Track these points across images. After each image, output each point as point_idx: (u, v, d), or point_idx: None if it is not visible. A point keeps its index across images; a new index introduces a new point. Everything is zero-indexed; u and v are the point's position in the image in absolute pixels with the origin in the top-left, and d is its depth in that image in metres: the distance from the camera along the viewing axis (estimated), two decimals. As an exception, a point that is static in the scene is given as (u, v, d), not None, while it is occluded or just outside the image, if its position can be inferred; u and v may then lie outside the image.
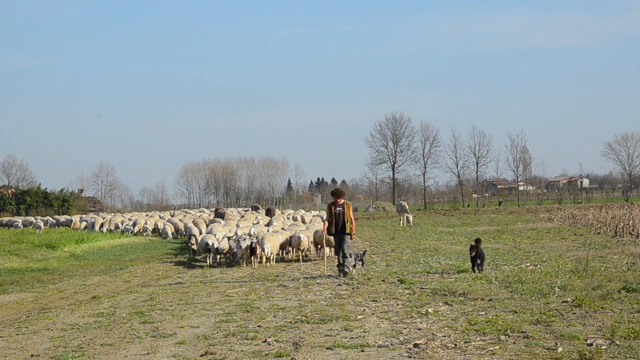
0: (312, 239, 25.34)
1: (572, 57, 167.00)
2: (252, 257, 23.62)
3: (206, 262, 25.34)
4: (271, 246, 23.77)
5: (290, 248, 25.55)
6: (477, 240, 18.81)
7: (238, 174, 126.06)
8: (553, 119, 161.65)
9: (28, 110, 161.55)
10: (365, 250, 21.58)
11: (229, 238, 24.95)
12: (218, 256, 25.02)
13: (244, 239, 24.09)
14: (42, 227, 50.95)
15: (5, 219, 68.00)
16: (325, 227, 20.25)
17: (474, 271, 18.15)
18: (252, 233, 26.10)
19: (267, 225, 33.14)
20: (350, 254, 19.59)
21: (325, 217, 21.18)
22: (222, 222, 35.05)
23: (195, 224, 37.74)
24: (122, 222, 48.77)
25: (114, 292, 18.55)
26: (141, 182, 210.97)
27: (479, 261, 18.33)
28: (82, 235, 44.06)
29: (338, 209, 19.97)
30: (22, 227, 55.27)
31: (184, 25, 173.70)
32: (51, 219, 59.30)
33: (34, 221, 57.47)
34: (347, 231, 19.85)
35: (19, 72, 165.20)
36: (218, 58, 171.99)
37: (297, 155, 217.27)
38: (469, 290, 15.18)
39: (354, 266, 19.66)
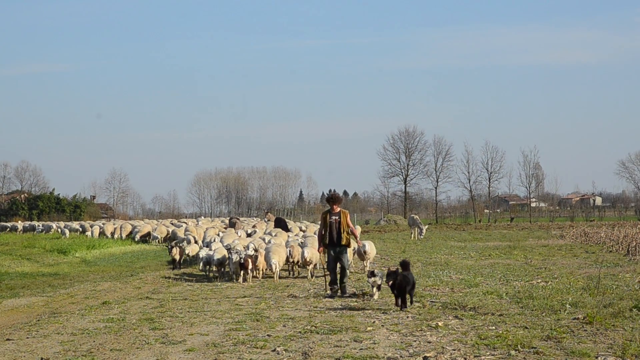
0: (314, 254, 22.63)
1: (587, 74, 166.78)
2: (242, 272, 21.76)
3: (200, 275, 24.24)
4: (278, 260, 22.03)
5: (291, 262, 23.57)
6: (403, 264, 15.68)
7: (250, 184, 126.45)
8: (566, 136, 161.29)
9: (42, 116, 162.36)
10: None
11: (228, 250, 23.29)
12: (212, 268, 23.53)
13: (236, 252, 22.15)
14: (68, 234, 50.98)
15: (26, 223, 68.32)
16: (319, 239, 18.40)
17: (397, 305, 15.11)
18: (250, 246, 23.30)
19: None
20: (372, 272, 16.44)
21: (318, 229, 18.76)
22: (233, 231, 35.00)
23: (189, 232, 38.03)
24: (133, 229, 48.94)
25: (124, 298, 18.57)
26: (153, 190, 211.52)
27: (400, 290, 15.04)
28: (94, 241, 44.26)
29: (333, 217, 17.97)
30: (41, 231, 55.17)
31: (198, 36, 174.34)
32: (74, 225, 59.09)
33: (55, 226, 57.42)
34: (343, 242, 17.89)
35: (34, 78, 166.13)
36: (232, 68, 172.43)
37: (309, 166, 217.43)
38: (480, 304, 15.14)
39: (379, 287, 16.41)
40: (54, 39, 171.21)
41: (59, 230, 54.24)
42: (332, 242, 17.92)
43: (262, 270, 22.50)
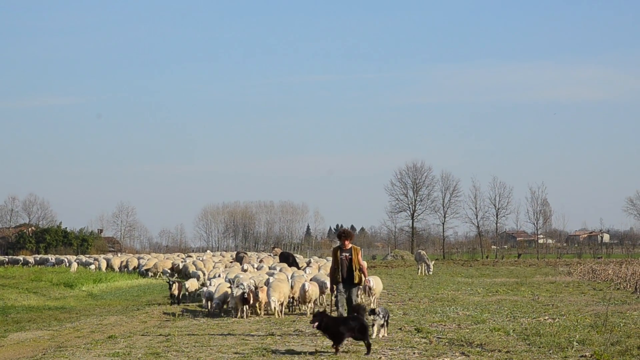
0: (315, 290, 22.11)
1: (595, 111, 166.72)
2: (245, 307, 21.38)
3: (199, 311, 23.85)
4: (278, 297, 21.22)
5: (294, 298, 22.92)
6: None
7: (257, 219, 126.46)
8: (574, 173, 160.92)
9: (50, 149, 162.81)
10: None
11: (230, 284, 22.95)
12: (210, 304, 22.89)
13: (237, 286, 21.63)
14: (75, 267, 51.07)
15: (37, 256, 68.46)
16: (330, 278, 17.28)
17: (333, 347, 14.23)
18: (251, 282, 22.59)
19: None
20: (377, 311, 16.21)
21: (331, 266, 17.69)
22: (238, 266, 34.89)
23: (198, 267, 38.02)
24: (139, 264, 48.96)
25: (130, 332, 18.55)
26: (161, 224, 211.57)
27: (333, 335, 14.15)
28: (100, 274, 44.27)
29: (344, 254, 17.00)
30: (54, 264, 55.16)
31: (203, 68, 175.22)
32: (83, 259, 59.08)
33: (82, 260, 57.34)
34: (356, 281, 16.87)
35: (42, 111, 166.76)
36: (241, 101, 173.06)
37: (316, 201, 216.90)
38: (487, 341, 15.09)
39: (382, 325, 16.20)
40: (61, 72, 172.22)
41: (67, 263, 54.18)
42: (343, 280, 16.90)
43: (263, 306, 21.83)
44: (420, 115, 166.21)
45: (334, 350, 14.14)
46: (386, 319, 16.16)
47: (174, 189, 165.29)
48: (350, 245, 17.13)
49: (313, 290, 21.62)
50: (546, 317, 19.45)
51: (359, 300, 17.20)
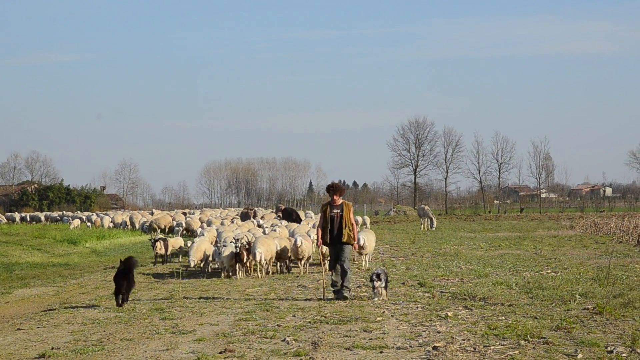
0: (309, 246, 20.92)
1: (598, 64, 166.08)
2: (238, 267, 20.34)
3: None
4: (264, 252, 19.97)
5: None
6: None
7: (260, 175, 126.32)
8: (577, 127, 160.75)
9: (52, 107, 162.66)
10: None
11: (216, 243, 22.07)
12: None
13: (225, 245, 20.72)
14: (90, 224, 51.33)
15: (55, 213, 68.75)
16: (319, 236, 16.09)
17: None
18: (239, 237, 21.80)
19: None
20: (379, 275, 15.01)
21: (317, 223, 16.61)
22: (228, 224, 34.45)
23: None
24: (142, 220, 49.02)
25: (135, 288, 18.60)
26: (163, 181, 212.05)
27: None
28: (104, 231, 44.41)
29: (335, 211, 15.88)
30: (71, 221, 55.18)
31: (207, 26, 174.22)
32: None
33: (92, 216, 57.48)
34: (345, 239, 15.77)
35: (44, 68, 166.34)
36: (241, 59, 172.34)
37: (319, 157, 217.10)
38: (489, 295, 15.13)
39: (385, 287, 15.14)
40: (63, 29, 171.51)
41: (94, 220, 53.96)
42: (333, 239, 15.88)
43: (251, 264, 20.90)
44: (423, 70, 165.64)
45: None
46: (386, 281, 15.17)
47: (176, 146, 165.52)
48: (341, 201, 16.03)
49: (307, 245, 20.61)
50: (548, 271, 19.49)
51: (349, 259, 15.95)
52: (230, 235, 23.56)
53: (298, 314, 13.62)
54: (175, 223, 43.75)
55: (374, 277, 14.96)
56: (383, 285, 15.00)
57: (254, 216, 44.18)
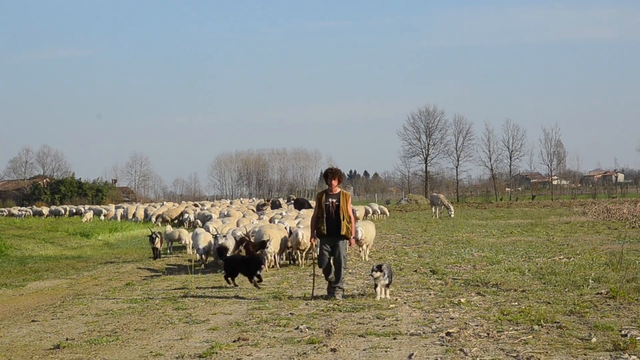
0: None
1: (609, 51, 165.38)
2: None
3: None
4: (273, 244, 19.32)
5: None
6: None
7: (270, 166, 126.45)
8: (588, 113, 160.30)
9: (63, 101, 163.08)
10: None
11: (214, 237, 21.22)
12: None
13: (222, 237, 20.18)
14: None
15: (73, 206, 69.01)
16: (312, 228, 14.54)
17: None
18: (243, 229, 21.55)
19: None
20: (379, 267, 13.56)
21: (313, 214, 14.78)
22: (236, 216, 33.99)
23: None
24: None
25: (147, 279, 18.69)
26: (174, 173, 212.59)
27: None
28: (116, 224, 44.53)
29: (331, 199, 14.17)
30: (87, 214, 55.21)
31: (218, 18, 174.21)
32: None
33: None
34: (343, 232, 14.05)
35: (55, 63, 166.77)
36: (252, 51, 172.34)
37: (329, 147, 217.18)
38: (502, 281, 15.11)
39: (387, 286, 13.76)
40: (74, 25, 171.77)
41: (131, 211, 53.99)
42: (328, 232, 14.14)
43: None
44: (433, 59, 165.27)
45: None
46: (390, 279, 13.81)
47: (187, 138, 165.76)
48: (338, 190, 14.33)
49: (308, 237, 18.54)
50: (561, 257, 19.45)
51: (345, 256, 14.27)
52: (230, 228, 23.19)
53: (311, 303, 13.62)
54: (193, 214, 43.31)
55: (375, 268, 13.61)
56: (386, 282, 13.64)
57: (279, 206, 44.04)
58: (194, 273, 18.89)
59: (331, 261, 14.16)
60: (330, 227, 14.08)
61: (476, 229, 32.91)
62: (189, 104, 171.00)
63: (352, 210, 14.69)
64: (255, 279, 15.56)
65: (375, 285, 13.70)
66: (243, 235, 20.40)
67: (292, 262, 21.24)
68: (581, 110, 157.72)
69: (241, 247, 19.59)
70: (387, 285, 13.75)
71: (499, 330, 10.46)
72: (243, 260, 16.31)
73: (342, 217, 14.04)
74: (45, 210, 67.32)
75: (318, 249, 14.40)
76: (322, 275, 14.39)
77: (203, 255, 21.47)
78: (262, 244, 19.07)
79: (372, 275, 13.64)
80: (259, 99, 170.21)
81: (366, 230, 20.76)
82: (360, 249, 21.30)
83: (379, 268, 13.54)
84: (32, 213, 66.29)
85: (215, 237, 20.42)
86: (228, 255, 17.13)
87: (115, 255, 27.31)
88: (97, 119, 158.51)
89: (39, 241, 34.95)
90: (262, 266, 16.08)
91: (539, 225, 34.63)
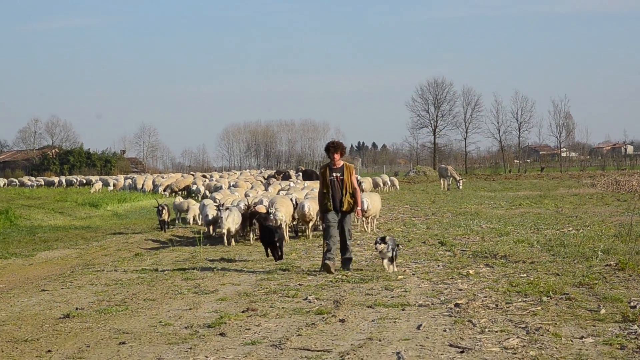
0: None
1: (618, 22, 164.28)
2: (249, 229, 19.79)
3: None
4: (284, 214, 18.97)
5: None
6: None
7: (279, 137, 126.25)
8: (597, 85, 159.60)
9: (72, 71, 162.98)
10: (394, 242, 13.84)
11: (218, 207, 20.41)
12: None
13: (225, 209, 19.56)
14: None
15: (83, 177, 69.19)
16: (319, 204, 14.41)
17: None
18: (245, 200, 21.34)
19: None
20: (383, 238, 13.34)
21: (319, 189, 14.59)
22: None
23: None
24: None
25: (156, 250, 18.73)
26: (183, 144, 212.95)
27: None
28: (125, 194, 44.60)
29: (335, 174, 14.01)
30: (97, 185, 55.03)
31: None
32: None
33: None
34: (345, 208, 13.95)
35: (64, 33, 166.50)
36: (261, 21, 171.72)
37: (338, 119, 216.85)
38: (511, 252, 15.12)
39: (392, 259, 13.51)
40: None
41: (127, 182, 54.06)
42: (334, 207, 13.99)
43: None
44: (442, 30, 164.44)
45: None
46: (394, 252, 13.49)
47: (196, 109, 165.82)
48: (341, 163, 14.16)
49: (314, 210, 18.64)
50: (570, 229, 19.42)
51: (350, 230, 14.21)
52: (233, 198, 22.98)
53: (320, 274, 13.64)
54: (202, 185, 42.99)
55: (378, 240, 13.34)
56: (390, 254, 13.36)
57: (288, 177, 43.90)
58: (203, 245, 18.93)
59: (337, 233, 13.94)
60: (335, 202, 13.97)
61: (485, 201, 32.86)
62: (197, 75, 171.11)
63: (358, 181, 14.43)
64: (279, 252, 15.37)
65: (382, 259, 13.54)
66: (245, 209, 20.16)
67: (295, 234, 20.97)
68: (590, 82, 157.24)
69: (254, 221, 19.18)
70: (392, 260, 13.50)
71: (507, 301, 10.46)
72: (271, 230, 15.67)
73: (345, 191, 13.92)
74: (57, 180, 67.52)
75: (326, 223, 14.12)
76: (326, 246, 13.98)
77: (211, 227, 21.41)
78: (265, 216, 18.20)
79: (376, 248, 13.45)
80: (266, 69, 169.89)
81: (372, 201, 20.58)
82: (366, 220, 21.11)
83: (383, 240, 13.32)
84: (44, 183, 66.57)
85: (218, 208, 20.19)
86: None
87: (124, 225, 27.37)
88: (98, 115, 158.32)
89: (48, 211, 35.02)
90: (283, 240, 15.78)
91: (548, 197, 34.55)
